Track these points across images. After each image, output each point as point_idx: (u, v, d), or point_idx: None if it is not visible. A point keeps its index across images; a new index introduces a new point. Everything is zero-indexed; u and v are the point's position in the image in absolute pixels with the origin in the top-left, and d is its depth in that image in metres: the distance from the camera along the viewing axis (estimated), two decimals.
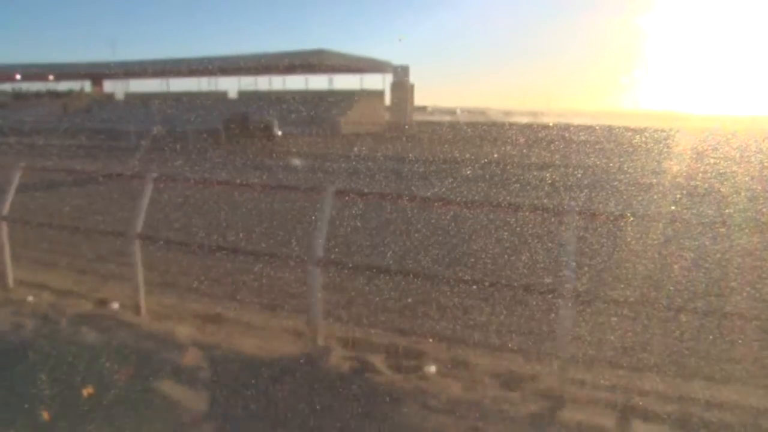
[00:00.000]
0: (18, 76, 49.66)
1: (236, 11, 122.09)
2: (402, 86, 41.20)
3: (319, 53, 34.47)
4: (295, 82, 52.39)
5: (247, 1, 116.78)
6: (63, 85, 56.99)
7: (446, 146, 30.23)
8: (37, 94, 57.60)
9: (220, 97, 47.75)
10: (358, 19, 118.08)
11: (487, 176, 16.67)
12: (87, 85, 55.38)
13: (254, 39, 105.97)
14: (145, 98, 47.84)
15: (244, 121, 26.13)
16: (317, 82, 66.71)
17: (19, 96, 57.85)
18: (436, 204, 6.92)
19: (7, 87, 58.35)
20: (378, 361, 4.02)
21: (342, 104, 37.81)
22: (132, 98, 49.68)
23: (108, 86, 55.94)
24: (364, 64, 39.80)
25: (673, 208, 10.77)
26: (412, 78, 41.30)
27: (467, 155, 24.44)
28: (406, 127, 39.36)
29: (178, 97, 45.83)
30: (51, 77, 50.67)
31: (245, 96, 45.92)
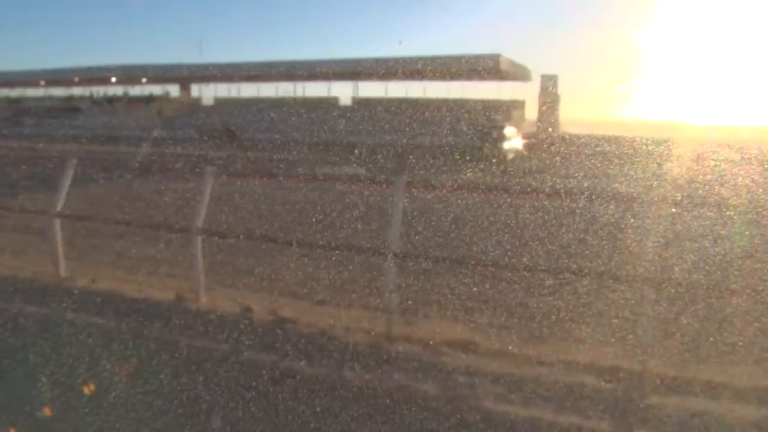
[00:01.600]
0: (113, 79, 45.93)
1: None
2: (552, 97, 37.85)
3: (496, 58, 30.95)
4: (418, 89, 47.17)
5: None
6: (137, 89, 53.27)
7: (669, 166, 26.78)
8: (113, 99, 53.68)
9: (333, 103, 44.19)
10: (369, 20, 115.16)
11: None
12: (173, 90, 51.62)
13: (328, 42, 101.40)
14: (254, 103, 44.21)
15: (498, 132, 22.74)
16: (450, 89, 57.30)
17: (96, 101, 53.93)
18: None
19: (83, 91, 54.66)
20: None
21: (495, 115, 34.30)
22: (232, 103, 45.98)
23: (194, 90, 52.30)
24: (515, 71, 36.44)
25: None
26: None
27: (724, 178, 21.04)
28: (561, 140, 35.87)
29: (294, 104, 42.28)
30: (144, 80, 47.05)
31: (364, 103, 42.33)
